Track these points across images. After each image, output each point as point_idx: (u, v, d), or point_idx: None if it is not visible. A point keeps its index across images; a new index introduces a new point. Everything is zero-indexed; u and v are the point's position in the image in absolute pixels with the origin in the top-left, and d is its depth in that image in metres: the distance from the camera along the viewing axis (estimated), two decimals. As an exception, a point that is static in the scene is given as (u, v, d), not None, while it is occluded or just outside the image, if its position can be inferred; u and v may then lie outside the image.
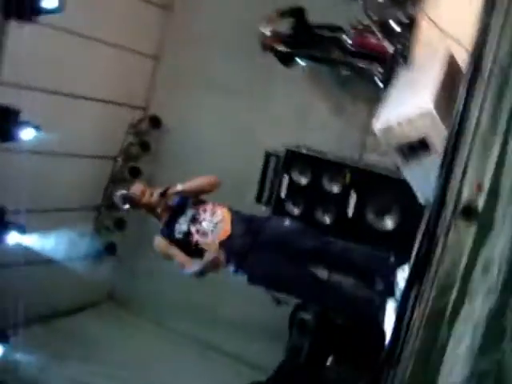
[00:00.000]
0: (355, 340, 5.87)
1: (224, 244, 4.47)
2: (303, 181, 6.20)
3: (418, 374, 2.01)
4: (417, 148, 3.24)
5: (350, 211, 5.93)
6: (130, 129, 8.03)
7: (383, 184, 5.88)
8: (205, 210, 4.57)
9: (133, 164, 7.95)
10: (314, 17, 6.29)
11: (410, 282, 2.40)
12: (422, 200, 3.75)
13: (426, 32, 4.77)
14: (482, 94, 2.04)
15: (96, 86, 7.54)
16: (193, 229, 4.51)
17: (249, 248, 4.44)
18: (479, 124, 2.00)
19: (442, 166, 2.64)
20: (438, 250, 2.02)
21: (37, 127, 5.80)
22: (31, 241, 6.24)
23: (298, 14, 6.18)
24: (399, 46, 5.33)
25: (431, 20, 4.34)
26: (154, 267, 8.13)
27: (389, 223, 5.92)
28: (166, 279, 7.94)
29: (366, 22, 5.65)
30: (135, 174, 7.96)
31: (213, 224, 4.51)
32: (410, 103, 3.32)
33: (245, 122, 7.35)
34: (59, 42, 6.73)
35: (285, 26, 6.25)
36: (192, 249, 4.60)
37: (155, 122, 8.13)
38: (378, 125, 3.34)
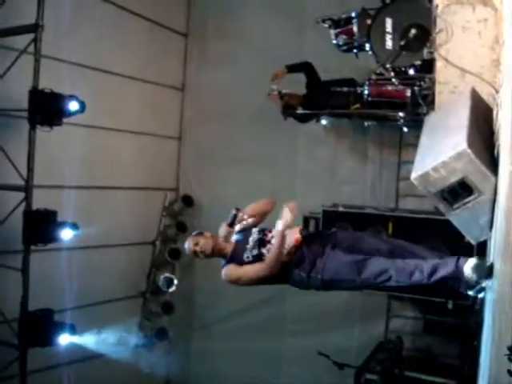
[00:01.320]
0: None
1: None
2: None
3: None
4: (458, 191, 3.17)
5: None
6: (165, 211, 8.12)
7: (426, 227, 5.75)
8: (270, 231, 4.28)
9: (172, 246, 7.97)
10: (325, 73, 6.36)
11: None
12: (471, 240, 3.64)
13: (442, 72, 4.77)
14: None
15: (126, 175, 7.71)
16: (264, 250, 4.11)
17: (321, 252, 4.10)
18: None
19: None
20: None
21: (74, 225, 5.90)
22: (83, 339, 6.23)
23: (306, 68, 6.21)
24: (417, 90, 5.35)
25: (448, 61, 4.34)
26: (206, 346, 8.04)
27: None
28: (220, 357, 7.83)
29: (379, 70, 5.69)
30: (175, 255, 7.98)
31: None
32: (443, 146, 3.27)
33: (275, 188, 7.34)
34: (85, 138, 6.94)
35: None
36: None
37: (188, 201, 8.22)
38: (413, 174, 3.28)
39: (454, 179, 3.18)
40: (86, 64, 6.86)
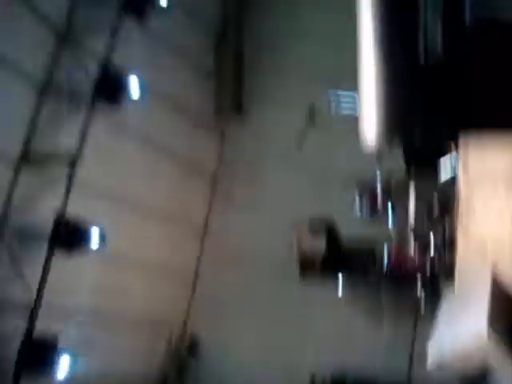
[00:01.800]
0: None
1: None
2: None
3: None
4: (476, 376, 3.01)
5: None
6: (169, 353, 7.86)
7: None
8: None
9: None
10: (347, 230, 6.42)
11: None
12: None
13: (463, 246, 4.75)
14: None
15: (135, 308, 7.51)
16: None
17: None
18: None
19: None
20: None
21: (74, 354, 5.70)
22: None
23: (328, 231, 6.32)
24: (438, 263, 5.34)
25: (468, 237, 4.35)
26: None
27: None
28: None
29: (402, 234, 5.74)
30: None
31: None
32: (462, 333, 3.16)
33: (287, 345, 7.20)
34: (99, 264, 6.89)
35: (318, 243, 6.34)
36: None
37: (193, 349, 7.98)
38: (430, 360, 3.16)
39: (472, 365, 3.05)
40: (113, 193, 7.01)
